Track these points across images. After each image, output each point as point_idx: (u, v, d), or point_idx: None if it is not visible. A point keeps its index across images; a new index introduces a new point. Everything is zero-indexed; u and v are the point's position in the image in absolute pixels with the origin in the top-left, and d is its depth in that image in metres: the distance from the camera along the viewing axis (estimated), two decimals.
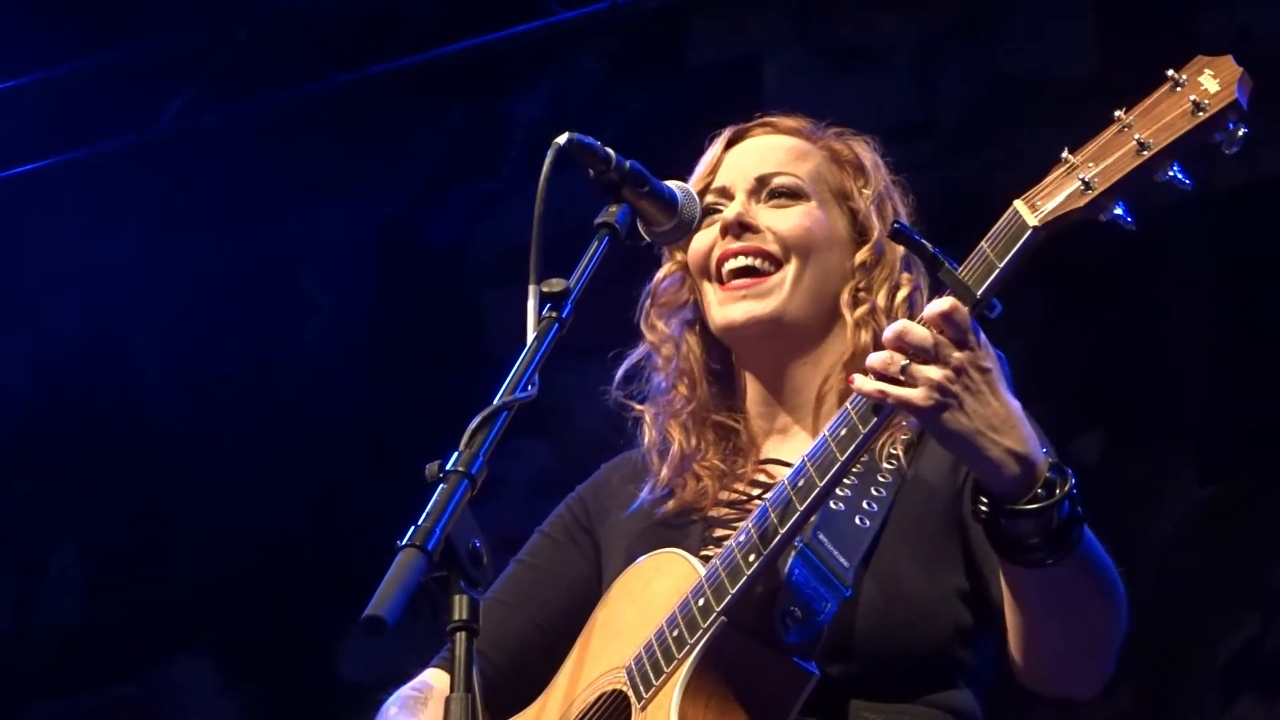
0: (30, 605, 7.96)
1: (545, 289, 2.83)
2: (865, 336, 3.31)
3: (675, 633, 3.05)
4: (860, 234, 3.40)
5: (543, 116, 7.37)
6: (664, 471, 3.35)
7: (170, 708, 7.63)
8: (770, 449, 3.38)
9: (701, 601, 3.04)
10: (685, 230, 3.14)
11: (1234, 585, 5.92)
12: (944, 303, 2.87)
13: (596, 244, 2.96)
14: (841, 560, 3.09)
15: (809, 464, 3.01)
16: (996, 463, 2.86)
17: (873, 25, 6.87)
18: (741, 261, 3.33)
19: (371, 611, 2.41)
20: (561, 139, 2.97)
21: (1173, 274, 6.28)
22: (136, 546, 7.71)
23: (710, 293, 3.36)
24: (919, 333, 2.86)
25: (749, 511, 3.27)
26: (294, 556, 7.40)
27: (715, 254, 3.34)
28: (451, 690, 2.49)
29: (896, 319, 3.18)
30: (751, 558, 3.00)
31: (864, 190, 3.41)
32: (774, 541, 2.99)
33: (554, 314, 2.82)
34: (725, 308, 3.33)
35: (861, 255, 3.36)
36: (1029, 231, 2.88)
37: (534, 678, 3.30)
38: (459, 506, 2.54)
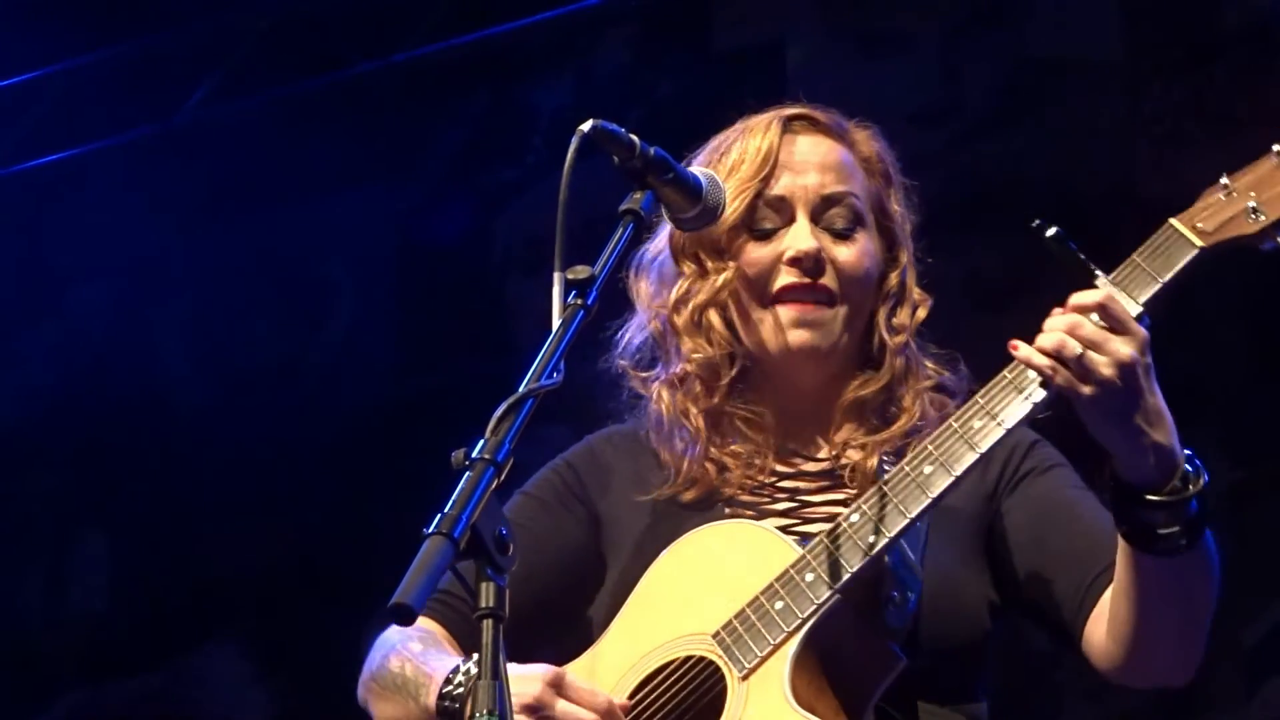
0: (58, 596, 7.97)
1: (570, 276, 2.81)
2: (899, 363, 3.36)
3: (779, 604, 3.06)
4: (890, 249, 3.42)
5: (566, 104, 7.36)
6: (684, 460, 3.36)
7: (197, 697, 7.65)
8: (789, 439, 3.41)
9: (811, 576, 3.05)
10: (710, 218, 3.13)
11: (1262, 569, 5.89)
12: (1099, 294, 2.92)
13: (621, 231, 2.95)
14: (909, 552, 3.14)
15: (933, 450, 3.05)
16: (1143, 454, 2.93)
17: (896, 10, 6.85)
18: (804, 294, 3.33)
19: (398, 599, 2.40)
20: (585, 126, 2.96)
21: None
22: (164, 537, 7.72)
23: (762, 313, 3.36)
24: (1117, 310, 2.91)
25: (771, 495, 3.31)
26: (320, 545, 7.40)
27: (777, 282, 3.34)
28: (479, 678, 2.49)
29: (918, 337, 3.30)
30: (873, 539, 3.04)
31: (895, 207, 3.44)
32: (900, 526, 3.03)
33: (579, 301, 2.80)
34: (788, 331, 3.33)
35: (895, 278, 3.41)
36: (1195, 250, 2.97)
37: (522, 636, 3.27)
38: (485, 494, 2.53)
